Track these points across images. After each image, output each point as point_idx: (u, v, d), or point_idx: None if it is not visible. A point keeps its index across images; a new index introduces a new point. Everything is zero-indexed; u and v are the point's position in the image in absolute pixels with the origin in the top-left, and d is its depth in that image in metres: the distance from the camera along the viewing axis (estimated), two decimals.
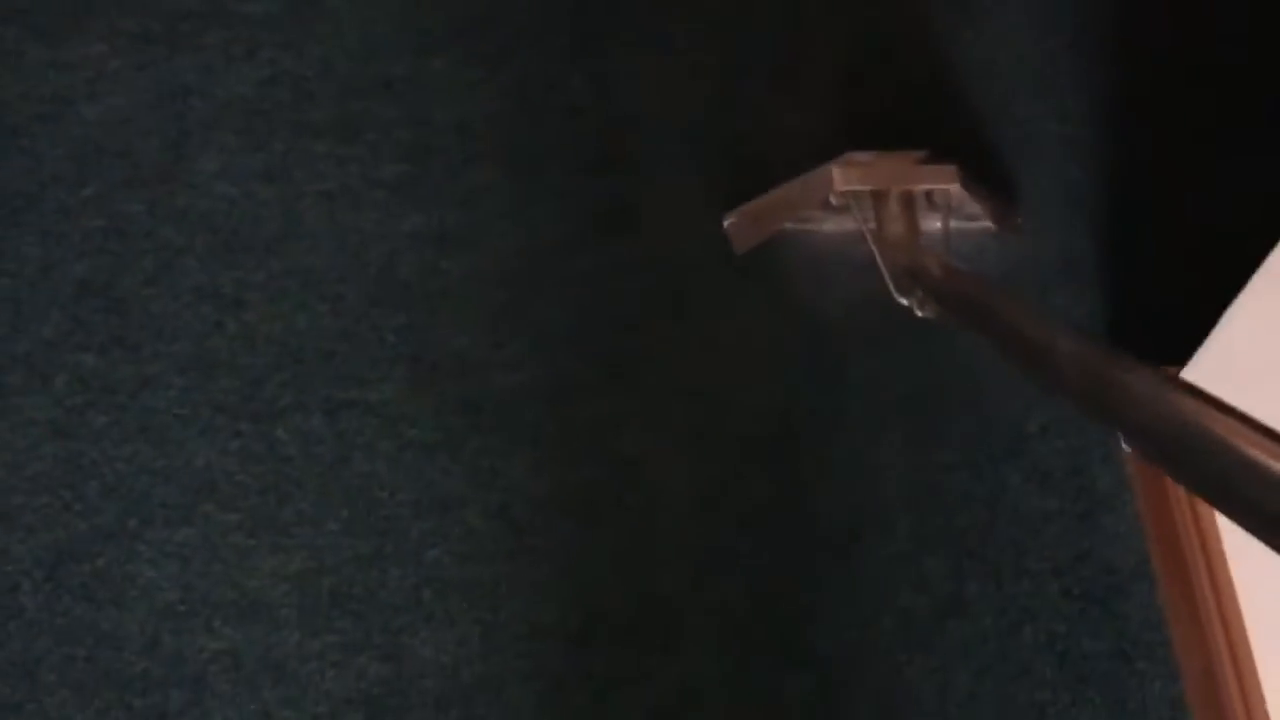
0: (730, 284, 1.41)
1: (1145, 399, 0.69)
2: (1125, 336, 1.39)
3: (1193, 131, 1.53)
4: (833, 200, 1.34)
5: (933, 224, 1.35)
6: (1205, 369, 1.21)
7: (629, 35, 1.57)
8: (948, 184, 1.32)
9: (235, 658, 1.20)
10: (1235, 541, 1.15)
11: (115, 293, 1.40)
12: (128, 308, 1.39)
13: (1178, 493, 1.21)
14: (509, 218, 1.44)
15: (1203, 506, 1.18)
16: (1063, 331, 0.82)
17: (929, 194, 1.34)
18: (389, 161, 1.48)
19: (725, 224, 1.39)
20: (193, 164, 1.46)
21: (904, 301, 1.21)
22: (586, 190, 1.46)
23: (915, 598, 1.25)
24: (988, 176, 1.44)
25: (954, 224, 1.37)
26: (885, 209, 1.29)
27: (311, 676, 1.19)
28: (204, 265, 1.41)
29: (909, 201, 1.30)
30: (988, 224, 1.40)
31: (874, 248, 1.27)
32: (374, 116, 1.50)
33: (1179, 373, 1.24)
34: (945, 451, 1.32)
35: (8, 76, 1.50)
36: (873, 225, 1.30)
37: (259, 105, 1.50)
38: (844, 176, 1.31)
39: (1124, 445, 1.30)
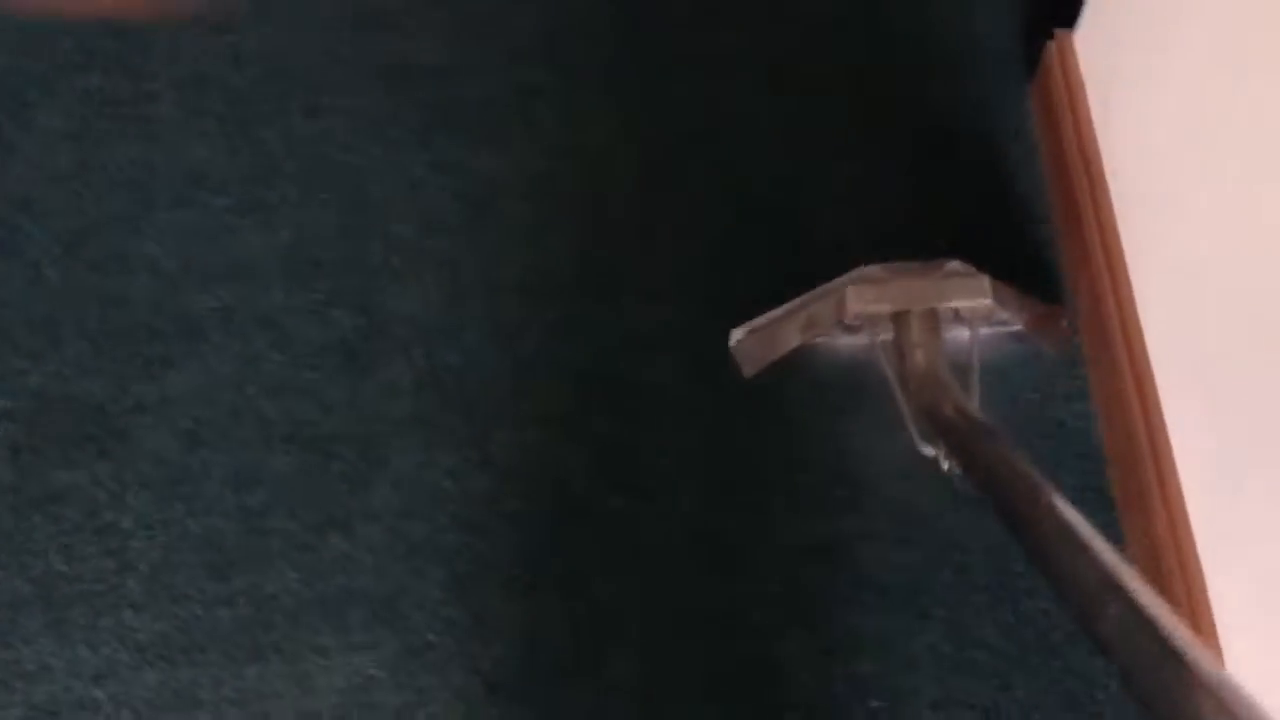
0: None
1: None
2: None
3: None
4: (847, 321, 1.18)
5: (961, 334, 1.19)
6: (1087, 29, 1.31)
7: None
8: (977, 300, 1.15)
9: (229, 313, 1.36)
10: (1119, 169, 1.26)
11: (118, 25, 1.54)
12: (128, 31, 1.53)
13: (1070, 142, 1.32)
14: None
15: (1091, 149, 1.29)
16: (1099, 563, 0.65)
17: (956, 310, 1.17)
18: None
19: (731, 343, 1.26)
20: None
21: (928, 452, 1.07)
22: None
23: None
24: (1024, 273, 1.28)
25: (986, 330, 1.21)
26: (906, 332, 1.13)
27: (296, 326, 1.35)
28: None
29: (933, 322, 1.14)
30: (1019, 327, 1.23)
31: (894, 387, 1.13)
32: None
33: (1071, 35, 1.34)
34: None
35: None
36: (890, 353, 1.14)
37: None
38: (858, 297, 1.16)
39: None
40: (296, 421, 1.29)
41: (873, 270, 1.20)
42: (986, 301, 1.14)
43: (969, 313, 1.16)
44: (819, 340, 1.24)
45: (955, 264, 1.19)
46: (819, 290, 1.22)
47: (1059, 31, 1.35)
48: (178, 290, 1.37)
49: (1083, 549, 0.67)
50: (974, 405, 1.06)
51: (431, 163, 1.45)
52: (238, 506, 1.25)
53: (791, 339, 1.23)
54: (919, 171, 1.43)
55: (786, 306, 1.24)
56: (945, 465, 1.02)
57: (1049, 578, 0.71)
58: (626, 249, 1.39)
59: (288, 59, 1.52)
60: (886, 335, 1.16)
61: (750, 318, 1.29)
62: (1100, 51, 1.28)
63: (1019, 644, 1.17)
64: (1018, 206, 1.39)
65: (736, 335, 1.26)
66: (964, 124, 1.46)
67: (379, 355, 1.33)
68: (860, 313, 1.16)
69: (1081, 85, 1.31)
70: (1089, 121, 1.29)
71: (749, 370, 1.25)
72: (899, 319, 1.15)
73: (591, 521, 1.23)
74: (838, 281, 1.21)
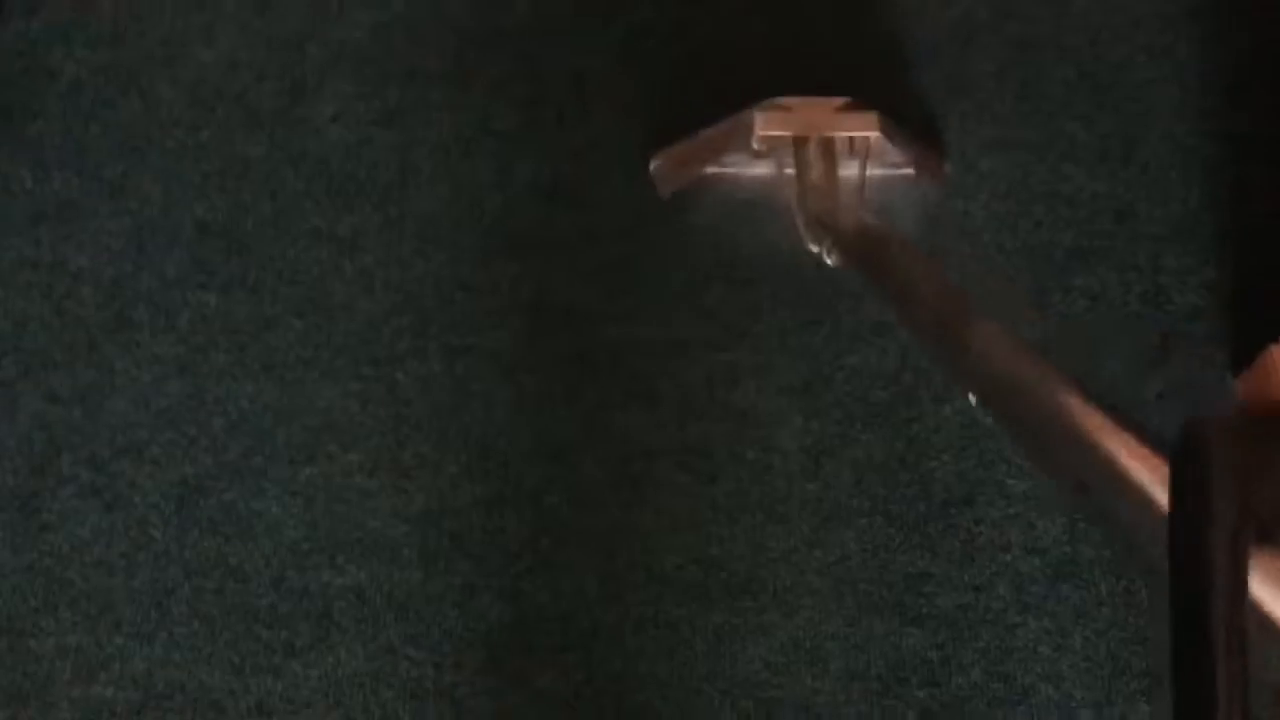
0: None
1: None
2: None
3: None
4: (755, 145, 1.33)
5: (852, 171, 1.35)
6: None
7: None
8: (868, 131, 1.32)
9: (360, 594, 1.22)
10: None
11: (235, 234, 1.41)
12: (247, 249, 1.40)
13: None
14: (622, 169, 1.44)
15: None
16: (970, 313, 0.77)
17: (850, 141, 1.33)
18: (502, 111, 1.48)
19: (651, 167, 1.40)
20: (310, 108, 1.47)
21: (814, 248, 1.23)
22: None
23: (1029, 559, 1.26)
24: (917, 121, 1.43)
25: (874, 171, 1.37)
26: (804, 155, 1.31)
27: (434, 615, 1.21)
28: (320, 209, 1.43)
29: (829, 148, 1.31)
30: (908, 170, 1.40)
31: (790, 200, 1.29)
32: (488, 64, 1.50)
33: None
34: None
35: (127, 19, 1.51)
36: (791, 171, 1.31)
37: (372, 52, 1.51)
38: (765, 121, 1.32)
39: None
40: None
41: (781, 100, 1.34)
42: (875, 134, 1.31)
43: (860, 145, 1.32)
44: (730, 168, 1.39)
45: (851, 100, 1.34)
46: (730, 117, 1.35)
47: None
48: (302, 564, 1.23)
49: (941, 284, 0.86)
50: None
51: (580, 421, 1.32)
52: None
53: (703, 161, 1.38)
54: None
55: (702, 133, 1.37)
56: (829, 260, 1.19)
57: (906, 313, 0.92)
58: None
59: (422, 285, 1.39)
60: (790, 166, 1.31)
61: None
62: None
63: None
64: None
65: (655, 160, 1.39)
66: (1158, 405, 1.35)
67: (529, 657, 1.20)
68: (765, 136, 1.31)
69: None
70: None
71: (665, 191, 1.39)
72: (799, 145, 1.30)
73: None
74: (747, 110, 1.33)
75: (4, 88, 1.48)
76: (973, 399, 0.72)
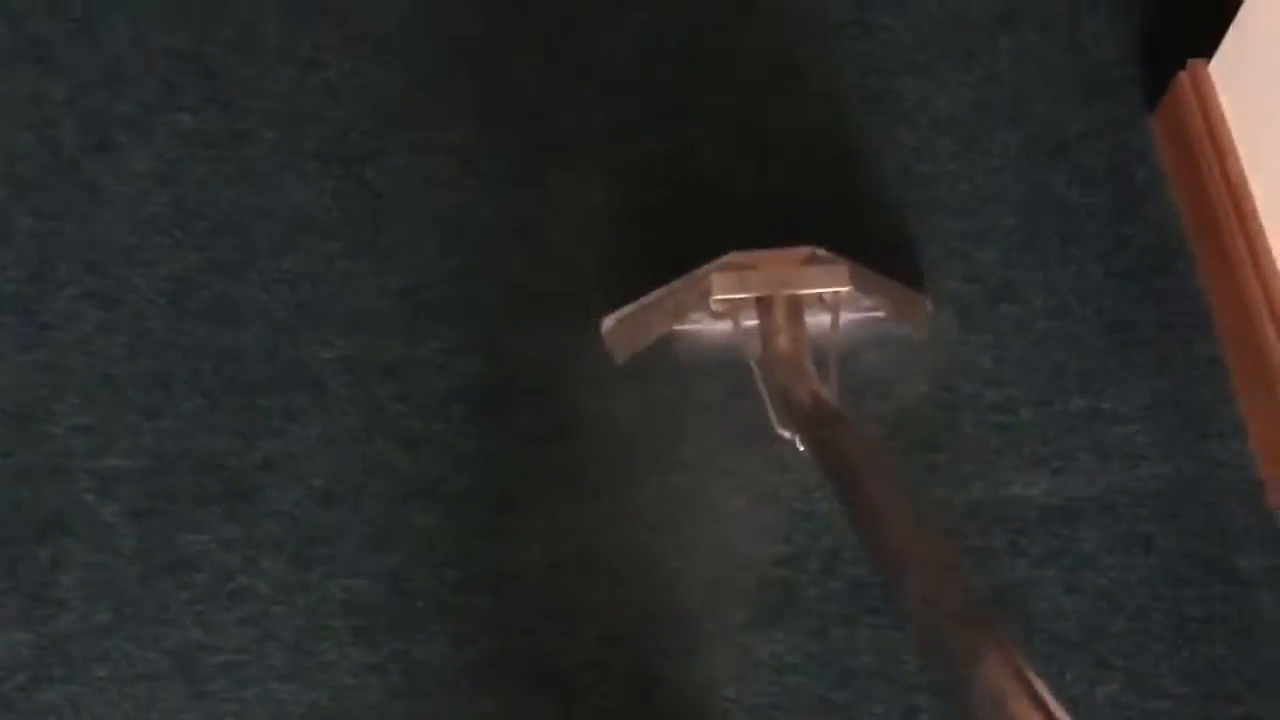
0: None
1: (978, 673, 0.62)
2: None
3: None
4: (713, 308, 1.20)
5: (824, 319, 1.21)
6: (1227, 61, 1.30)
7: None
8: (837, 287, 1.18)
9: (349, 363, 1.30)
10: (1273, 209, 1.25)
11: (203, 59, 1.48)
12: (215, 73, 1.48)
13: (1213, 176, 1.30)
14: None
15: (1239, 187, 1.27)
16: (917, 558, 0.73)
17: (819, 295, 1.20)
18: None
19: (603, 330, 1.28)
20: None
21: (785, 434, 1.10)
22: None
23: (967, 286, 1.35)
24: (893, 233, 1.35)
25: (849, 315, 1.24)
26: (769, 318, 1.16)
27: (419, 376, 1.30)
28: (281, 29, 1.50)
29: (796, 308, 1.17)
30: (883, 314, 1.29)
31: (755, 371, 1.16)
32: None
33: (1206, 65, 1.33)
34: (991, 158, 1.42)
35: None
36: (754, 341, 1.18)
37: None
38: (723, 284, 1.18)
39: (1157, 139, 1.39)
40: (431, 477, 1.24)
41: (738, 257, 1.22)
42: (846, 288, 1.18)
43: (831, 299, 1.19)
44: (688, 327, 1.28)
45: (819, 250, 1.22)
46: (687, 276, 1.23)
47: (1192, 61, 1.33)
48: (294, 340, 1.32)
49: (894, 525, 0.78)
50: (829, 390, 1.10)
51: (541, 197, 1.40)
52: (379, 567, 1.20)
53: (660, 325, 1.26)
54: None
55: (656, 293, 1.26)
56: (801, 448, 1.06)
57: (869, 553, 0.84)
58: None
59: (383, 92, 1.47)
60: (751, 321, 1.19)
61: None
62: (1245, 84, 1.27)
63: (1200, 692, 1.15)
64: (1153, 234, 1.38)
65: (607, 323, 1.28)
66: (1080, 146, 1.44)
67: (510, 405, 1.29)
68: (724, 299, 1.18)
69: (1222, 119, 1.29)
70: (1235, 157, 1.27)
71: (620, 357, 1.27)
72: (762, 304, 1.17)
73: None
74: (705, 268, 1.22)
75: None
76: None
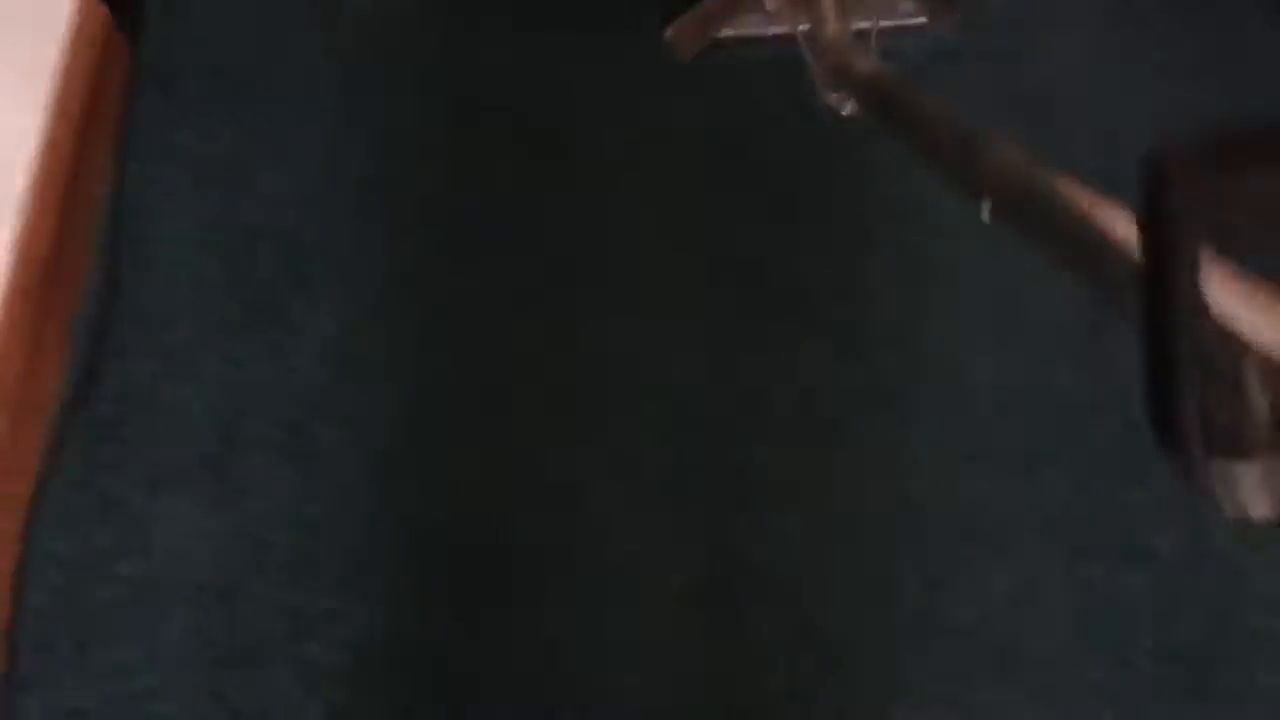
0: None
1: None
2: None
3: None
4: (768, 6, 1.37)
5: (864, 24, 1.34)
6: None
7: None
8: None
9: None
10: None
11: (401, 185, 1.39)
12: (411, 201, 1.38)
13: None
14: None
15: None
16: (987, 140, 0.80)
17: None
18: None
19: (666, 35, 1.42)
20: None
21: (830, 99, 1.23)
22: None
23: None
24: None
25: (886, 23, 1.38)
26: (818, 10, 1.30)
27: None
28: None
29: (843, 4, 1.30)
30: (921, 20, 1.43)
31: (804, 48, 1.29)
32: None
33: None
34: None
35: None
36: (806, 27, 1.30)
37: None
38: None
39: None
40: None
41: None
42: None
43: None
44: (745, 29, 1.42)
45: None
46: None
47: None
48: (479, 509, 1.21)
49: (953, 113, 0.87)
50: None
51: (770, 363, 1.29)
52: None
53: (720, 26, 1.41)
54: None
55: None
56: (846, 111, 1.18)
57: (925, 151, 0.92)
58: None
59: None
60: (804, 24, 1.30)
61: None
62: None
63: None
64: None
65: (670, 29, 1.42)
66: None
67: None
68: None
69: None
70: None
71: (685, 57, 1.42)
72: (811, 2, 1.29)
73: None
74: None
75: (159, 50, 1.46)
76: (985, 214, 0.76)
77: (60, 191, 1.28)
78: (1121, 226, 0.58)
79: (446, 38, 1.46)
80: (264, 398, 1.26)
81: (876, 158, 1.34)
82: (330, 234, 1.35)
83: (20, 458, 1.20)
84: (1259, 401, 0.45)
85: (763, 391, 1.27)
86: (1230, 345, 0.46)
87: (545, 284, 1.33)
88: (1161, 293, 0.47)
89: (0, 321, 1.19)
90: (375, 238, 1.35)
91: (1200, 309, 0.45)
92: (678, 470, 1.23)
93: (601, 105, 1.43)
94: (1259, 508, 0.46)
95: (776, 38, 1.38)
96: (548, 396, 1.26)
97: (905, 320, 1.31)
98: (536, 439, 1.25)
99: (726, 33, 1.43)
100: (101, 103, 1.37)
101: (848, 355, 1.28)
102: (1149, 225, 0.47)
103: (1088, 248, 0.62)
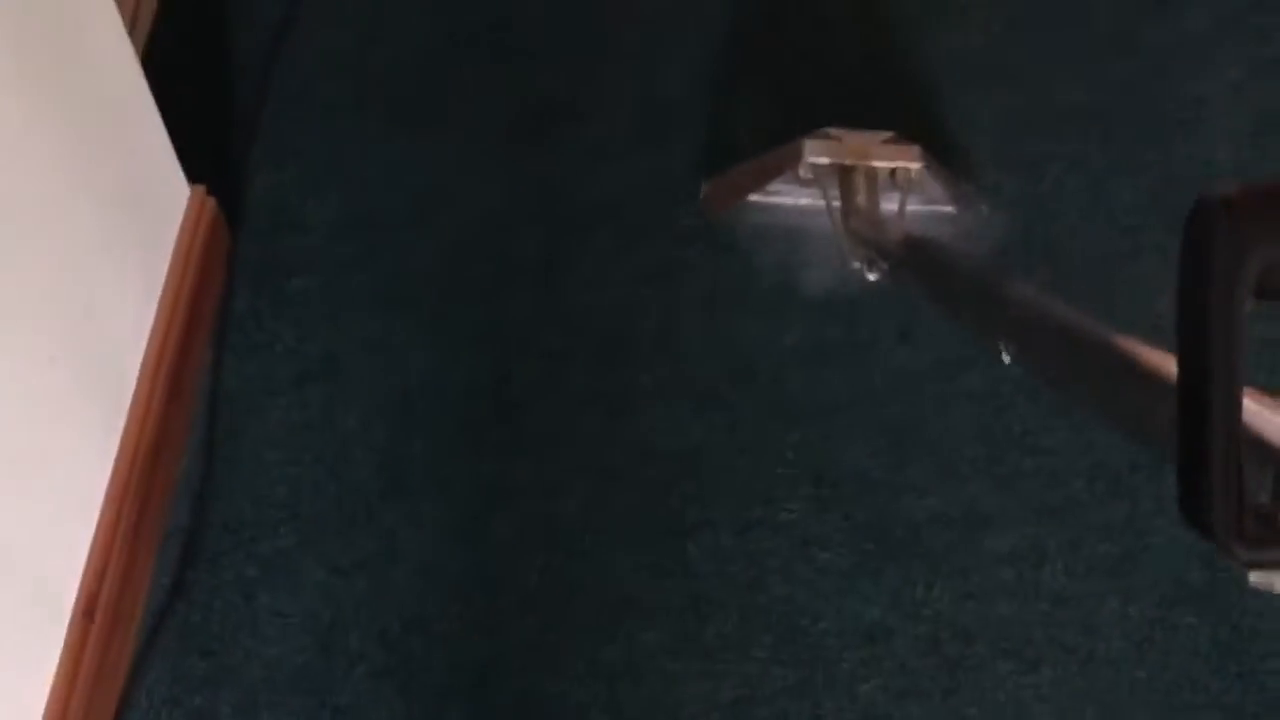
0: None
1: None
2: None
3: None
4: (801, 173, 1.39)
5: (892, 204, 1.39)
6: None
7: None
8: (911, 163, 1.38)
9: None
10: None
11: (505, 397, 1.37)
12: (520, 415, 1.36)
13: None
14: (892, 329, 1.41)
15: None
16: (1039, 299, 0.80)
17: (893, 173, 1.39)
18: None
19: (701, 192, 1.47)
20: (570, 264, 1.45)
21: (856, 264, 1.30)
22: None
23: None
24: (954, 160, 1.48)
25: (913, 206, 1.41)
26: (850, 183, 1.37)
27: None
28: (588, 368, 1.39)
29: (872, 178, 1.37)
30: (947, 208, 1.46)
31: (832, 217, 1.35)
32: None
33: None
34: None
35: (379, 168, 1.49)
36: (836, 199, 1.36)
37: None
38: (814, 149, 1.38)
39: None
40: None
41: (829, 130, 1.40)
42: (918, 165, 1.38)
43: (902, 178, 1.38)
44: (777, 197, 1.45)
45: (895, 134, 1.41)
46: (781, 146, 1.41)
47: None
48: None
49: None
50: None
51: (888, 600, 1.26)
52: None
53: (753, 189, 1.44)
54: None
55: (752, 160, 1.44)
56: (871, 276, 1.27)
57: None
58: None
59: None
60: (835, 196, 1.36)
61: None
62: None
63: None
64: None
65: (706, 185, 1.47)
66: None
67: None
68: (813, 163, 1.37)
69: None
70: None
71: (714, 216, 1.46)
72: (845, 173, 1.37)
73: None
74: (798, 139, 1.39)
75: (258, 242, 1.45)
76: (1006, 357, 0.78)
77: (166, 386, 1.26)
78: (1144, 352, 0.60)
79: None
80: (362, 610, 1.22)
81: None
82: (428, 444, 1.32)
83: (109, 667, 1.14)
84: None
85: None
86: (1259, 445, 0.48)
87: (642, 503, 1.31)
88: (1199, 332, 0.46)
89: (106, 520, 1.15)
90: (471, 447, 1.33)
91: (1236, 408, 0.46)
92: None
93: None
94: None
95: (806, 207, 1.43)
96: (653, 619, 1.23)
97: None
98: (646, 662, 1.20)
99: (758, 197, 1.46)
100: (206, 295, 1.36)
101: None
102: (1187, 261, 0.46)
103: (1122, 391, 0.62)
